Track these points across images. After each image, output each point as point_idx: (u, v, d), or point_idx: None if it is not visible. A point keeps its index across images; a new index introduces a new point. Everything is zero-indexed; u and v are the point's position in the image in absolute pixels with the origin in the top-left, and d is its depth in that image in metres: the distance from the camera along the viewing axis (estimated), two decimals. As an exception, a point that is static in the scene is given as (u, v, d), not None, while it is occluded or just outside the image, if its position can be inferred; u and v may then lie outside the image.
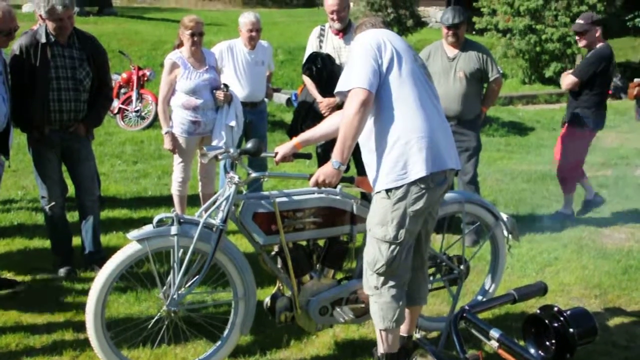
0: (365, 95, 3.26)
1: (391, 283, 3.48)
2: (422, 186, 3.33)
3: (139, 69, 11.16)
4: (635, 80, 13.87)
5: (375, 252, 3.45)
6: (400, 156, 3.32)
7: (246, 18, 6.25)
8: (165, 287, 3.61)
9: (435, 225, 3.73)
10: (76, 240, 5.34)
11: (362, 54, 3.38)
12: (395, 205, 3.36)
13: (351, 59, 3.44)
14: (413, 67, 3.43)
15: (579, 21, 6.58)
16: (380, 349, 3.61)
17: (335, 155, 3.37)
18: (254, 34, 6.24)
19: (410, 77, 3.38)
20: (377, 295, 3.51)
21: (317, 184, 3.45)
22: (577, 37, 6.64)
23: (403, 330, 3.83)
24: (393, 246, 3.41)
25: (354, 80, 3.31)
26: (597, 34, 6.49)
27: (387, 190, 3.36)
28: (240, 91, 6.15)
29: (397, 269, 3.47)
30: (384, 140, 3.36)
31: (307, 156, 4.12)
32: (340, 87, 3.43)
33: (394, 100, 3.34)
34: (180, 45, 5.74)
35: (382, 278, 3.48)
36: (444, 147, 3.42)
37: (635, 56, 20.69)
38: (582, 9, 17.58)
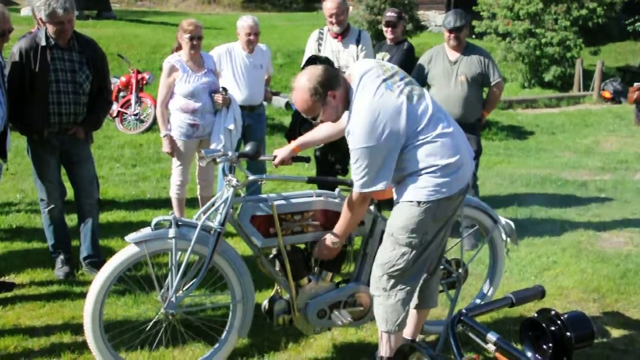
0: (386, 191, 3.41)
1: (400, 287, 3.50)
2: (450, 199, 3.41)
3: (138, 72, 11.16)
4: (635, 84, 13.89)
5: (392, 255, 3.47)
6: (434, 176, 3.35)
7: (244, 22, 6.25)
8: (163, 290, 3.61)
9: (450, 231, 3.73)
10: (75, 243, 5.35)
11: (372, 155, 3.26)
12: (422, 213, 3.39)
13: (361, 157, 3.28)
14: (418, 106, 3.37)
15: (392, 14, 6.65)
16: (382, 352, 3.61)
17: (337, 234, 3.66)
18: (252, 37, 6.23)
19: (426, 117, 3.36)
20: (384, 297, 3.52)
21: (321, 257, 3.80)
22: (386, 29, 6.64)
23: (407, 333, 3.83)
24: (415, 252, 3.44)
25: (374, 184, 3.32)
26: (402, 29, 6.75)
27: (419, 202, 3.39)
28: (238, 94, 6.14)
29: (410, 274, 3.48)
30: (414, 164, 3.37)
31: (306, 159, 4.13)
32: (361, 188, 3.35)
33: (419, 140, 3.35)
34: (179, 48, 5.74)
35: (392, 281, 3.49)
36: (467, 158, 3.51)
37: (635, 60, 20.70)
38: (582, 13, 17.63)
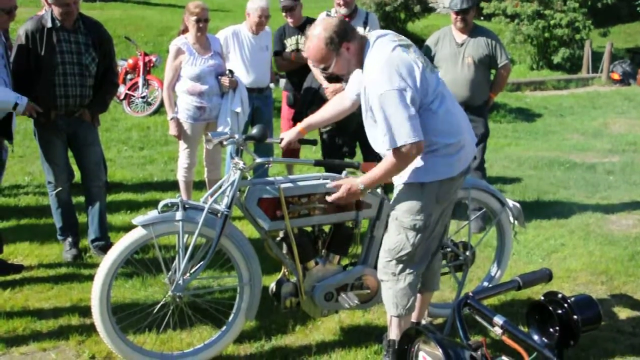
0: (421, 146, 3.23)
1: (409, 270, 3.50)
2: (453, 180, 3.43)
3: (145, 54, 11.14)
4: (645, 66, 13.80)
5: (400, 239, 3.47)
6: (436, 156, 3.36)
7: (256, 4, 6.18)
8: (170, 273, 3.61)
9: (452, 211, 3.73)
10: (82, 226, 5.36)
11: (398, 101, 3.16)
12: (426, 195, 3.39)
13: (386, 103, 3.17)
14: (430, 76, 3.36)
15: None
16: (392, 335, 3.62)
17: (366, 181, 3.44)
18: (263, 19, 6.19)
19: (433, 90, 3.34)
20: (393, 282, 3.52)
21: (339, 199, 3.55)
22: (284, 14, 6.40)
23: (413, 316, 3.84)
24: (420, 234, 3.44)
25: (406, 135, 3.16)
26: (300, 9, 6.48)
27: (422, 184, 3.38)
28: (245, 77, 6.11)
29: (418, 257, 3.48)
30: None
31: (313, 142, 4.12)
32: (392, 143, 3.20)
33: (426, 112, 3.31)
34: (185, 31, 5.72)
35: (401, 265, 3.50)
36: (469, 140, 3.51)
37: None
38: (590, -6, 17.48)
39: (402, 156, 3.24)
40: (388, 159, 3.31)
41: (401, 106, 3.16)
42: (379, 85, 3.19)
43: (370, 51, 3.32)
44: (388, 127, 3.19)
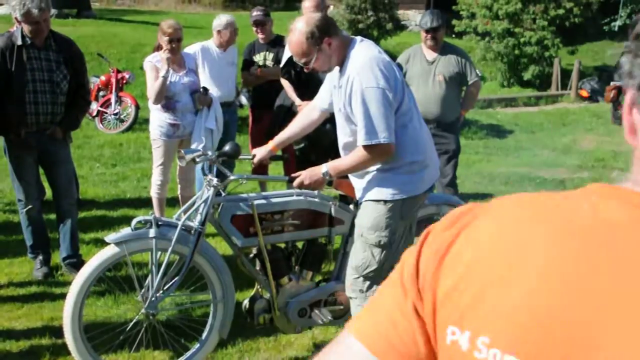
0: (392, 149, 3.30)
1: (377, 287, 3.51)
2: (416, 198, 3.48)
3: (118, 71, 11.09)
4: (612, 83, 14.01)
5: (366, 257, 3.49)
6: (399, 174, 3.40)
7: (216, 21, 6.32)
8: (143, 290, 3.60)
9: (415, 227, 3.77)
10: (53, 243, 5.31)
11: (381, 99, 3.22)
12: (389, 212, 3.42)
13: (369, 99, 3.23)
14: (406, 89, 3.43)
15: (258, 13, 6.48)
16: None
17: (331, 167, 3.50)
18: (219, 37, 6.29)
19: (407, 104, 3.39)
20: (362, 299, 3.54)
21: (301, 186, 3.55)
22: (255, 28, 6.51)
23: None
24: (385, 251, 3.47)
25: (383, 133, 3.24)
26: (271, 25, 6.62)
27: (385, 201, 3.41)
28: (215, 92, 6.13)
29: (385, 273, 3.51)
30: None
31: (283, 158, 4.16)
32: (366, 139, 3.27)
33: (396, 124, 3.34)
34: (160, 47, 5.72)
35: (368, 282, 3.52)
36: (434, 161, 3.57)
37: (612, 60, 20.88)
38: (559, 12, 17.77)
39: (373, 153, 3.31)
40: (358, 153, 3.36)
41: (383, 105, 3.22)
42: (365, 79, 3.23)
43: (357, 48, 3.35)
44: (367, 122, 3.23)
